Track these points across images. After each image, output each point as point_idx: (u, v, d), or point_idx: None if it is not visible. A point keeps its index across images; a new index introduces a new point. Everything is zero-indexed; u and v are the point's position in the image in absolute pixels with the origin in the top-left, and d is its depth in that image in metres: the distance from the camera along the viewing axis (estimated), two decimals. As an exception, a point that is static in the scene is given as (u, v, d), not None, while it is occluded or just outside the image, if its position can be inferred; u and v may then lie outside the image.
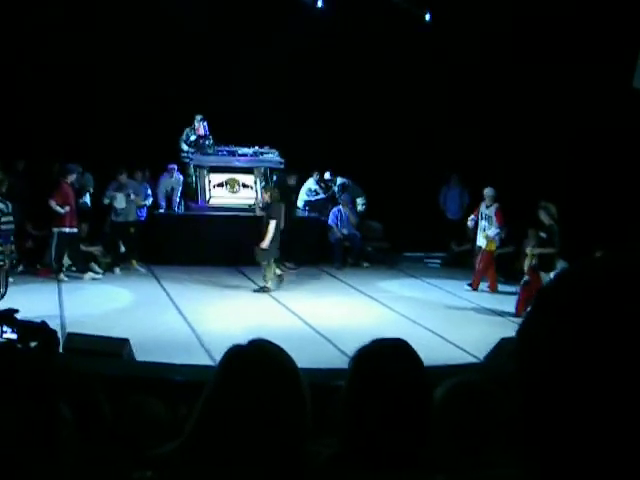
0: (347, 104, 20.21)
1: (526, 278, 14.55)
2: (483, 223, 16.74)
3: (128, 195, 17.20)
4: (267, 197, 16.37)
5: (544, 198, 15.11)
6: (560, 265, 14.34)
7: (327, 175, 20.25)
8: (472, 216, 17.00)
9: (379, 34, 19.71)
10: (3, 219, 12.60)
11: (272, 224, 15.76)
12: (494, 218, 16.61)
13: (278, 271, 16.28)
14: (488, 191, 16.74)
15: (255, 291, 15.83)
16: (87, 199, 18.30)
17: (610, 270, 1.12)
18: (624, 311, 1.05)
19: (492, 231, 16.54)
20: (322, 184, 20.40)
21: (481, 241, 16.75)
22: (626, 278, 1.08)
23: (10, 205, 13.52)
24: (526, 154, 18.10)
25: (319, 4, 20.06)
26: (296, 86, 20.00)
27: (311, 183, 20.44)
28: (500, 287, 17.07)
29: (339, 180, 20.27)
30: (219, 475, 2.31)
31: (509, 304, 15.02)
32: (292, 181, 18.77)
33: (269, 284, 15.82)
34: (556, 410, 1.08)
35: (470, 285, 16.97)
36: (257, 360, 2.42)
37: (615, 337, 1.04)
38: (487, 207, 16.77)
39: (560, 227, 14.41)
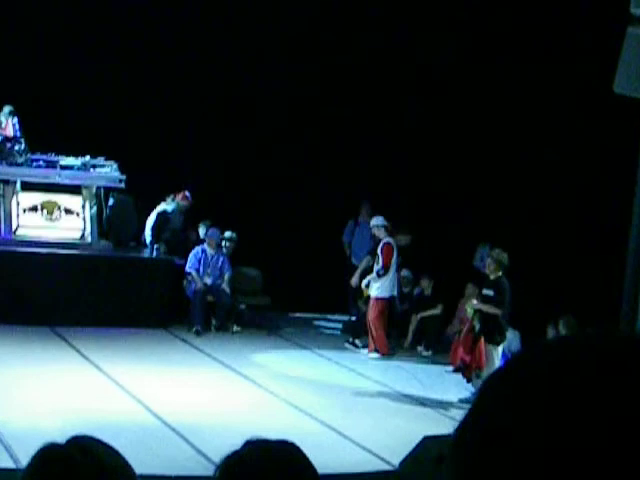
0: (209, 107, 21.43)
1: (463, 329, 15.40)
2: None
3: None
4: None
5: (490, 244, 16.10)
6: (510, 335, 15.10)
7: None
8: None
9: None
10: None
11: None
12: (380, 256, 17.67)
13: None
14: (377, 220, 18.13)
15: None
16: None
17: (575, 361, 1.11)
18: (592, 419, 1.02)
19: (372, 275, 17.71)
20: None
21: (376, 290, 17.89)
22: (596, 373, 1.08)
23: None
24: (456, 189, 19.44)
25: None
26: (143, 84, 20.66)
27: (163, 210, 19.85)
28: (424, 365, 17.86)
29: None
30: None
31: (435, 388, 15.61)
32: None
33: None
34: None
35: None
36: (79, 465, 2.35)
37: (585, 448, 1.05)
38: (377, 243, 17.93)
39: (512, 283, 14.75)
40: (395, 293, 18.51)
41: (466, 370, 15.08)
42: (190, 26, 21.39)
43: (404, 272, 19.07)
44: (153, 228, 20.07)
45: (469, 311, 15.31)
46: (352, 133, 21.50)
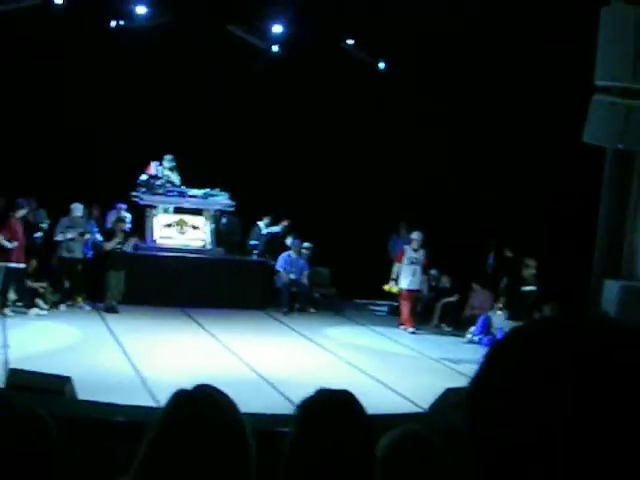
0: (298, 149, 21.31)
1: None
2: (413, 267, 17.99)
3: (82, 234, 17.93)
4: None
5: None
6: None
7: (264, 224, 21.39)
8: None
9: (333, 81, 20.82)
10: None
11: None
12: (423, 262, 18.16)
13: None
14: (416, 235, 18.13)
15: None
16: (39, 235, 18.58)
17: (555, 331, 1.20)
18: (566, 368, 1.14)
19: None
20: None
21: (408, 283, 17.97)
22: (570, 340, 1.16)
23: None
24: (476, 203, 19.21)
25: (275, 49, 21.48)
26: (250, 130, 21.17)
27: (263, 226, 21.29)
28: (445, 336, 18.06)
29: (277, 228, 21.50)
30: None
31: (454, 352, 15.71)
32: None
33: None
34: (510, 467, 1.15)
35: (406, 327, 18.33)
36: (202, 406, 2.45)
37: (558, 392, 1.14)
38: (415, 250, 18.13)
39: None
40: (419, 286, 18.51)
41: None
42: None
43: (432, 271, 19.39)
44: (265, 242, 21.10)
45: None
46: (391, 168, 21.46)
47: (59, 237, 17.65)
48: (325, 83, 20.86)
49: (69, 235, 17.47)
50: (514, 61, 17.74)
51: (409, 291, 18.04)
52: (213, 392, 2.58)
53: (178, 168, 20.17)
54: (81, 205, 17.85)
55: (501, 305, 17.31)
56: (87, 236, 17.94)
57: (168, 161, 20.04)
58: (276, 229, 21.33)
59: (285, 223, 21.15)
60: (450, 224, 19.16)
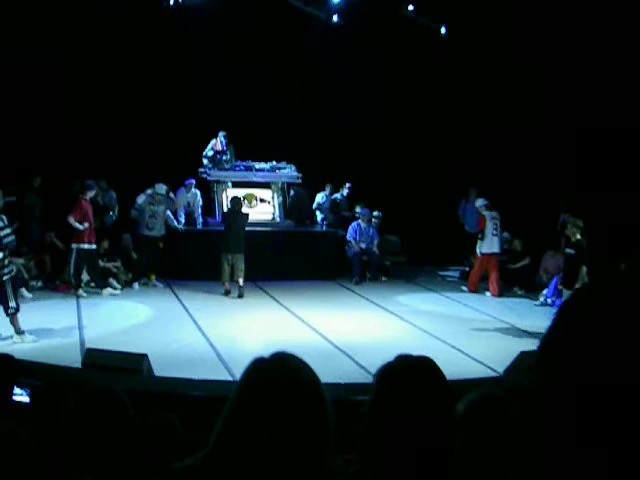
0: (362, 118, 21.18)
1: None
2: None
3: (166, 210, 18.17)
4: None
5: (568, 212, 16.05)
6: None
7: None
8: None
9: (394, 48, 20.70)
10: (1, 233, 11.74)
11: None
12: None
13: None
14: (479, 202, 18.43)
15: None
16: (111, 215, 19.29)
17: (629, 284, 1.16)
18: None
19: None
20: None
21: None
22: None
23: (6, 219, 12.17)
24: (542, 170, 18.92)
25: (334, 19, 21.47)
26: (310, 101, 21.04)
27: (321, 197, 21.63)
28: (518, 300, 17.84)
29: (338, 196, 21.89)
30: None
31: (527, 317, 15.55)
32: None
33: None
34: (581, 420, 1.11)
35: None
36: (280, 373, 2.45)
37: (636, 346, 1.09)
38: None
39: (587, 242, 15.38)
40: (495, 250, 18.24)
41: None
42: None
43: (505, 235, 19.04)
44: (328, 210, 21.33)
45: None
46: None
47: (133, 213, 17.76)
48: (386, 50, 20.57)
49: (153, 208, 17.48)
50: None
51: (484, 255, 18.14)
52: (290, 358, 2.56)
53: (233, 143, 19.97)
54: (165, 186, 17.77)
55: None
56: (168, 213, 17.94)
57: (221, 137, 19.98)
58: (337, 196, 21.61)
59: (347, 186, 21.48)
60: (520, 187, 18.89)
